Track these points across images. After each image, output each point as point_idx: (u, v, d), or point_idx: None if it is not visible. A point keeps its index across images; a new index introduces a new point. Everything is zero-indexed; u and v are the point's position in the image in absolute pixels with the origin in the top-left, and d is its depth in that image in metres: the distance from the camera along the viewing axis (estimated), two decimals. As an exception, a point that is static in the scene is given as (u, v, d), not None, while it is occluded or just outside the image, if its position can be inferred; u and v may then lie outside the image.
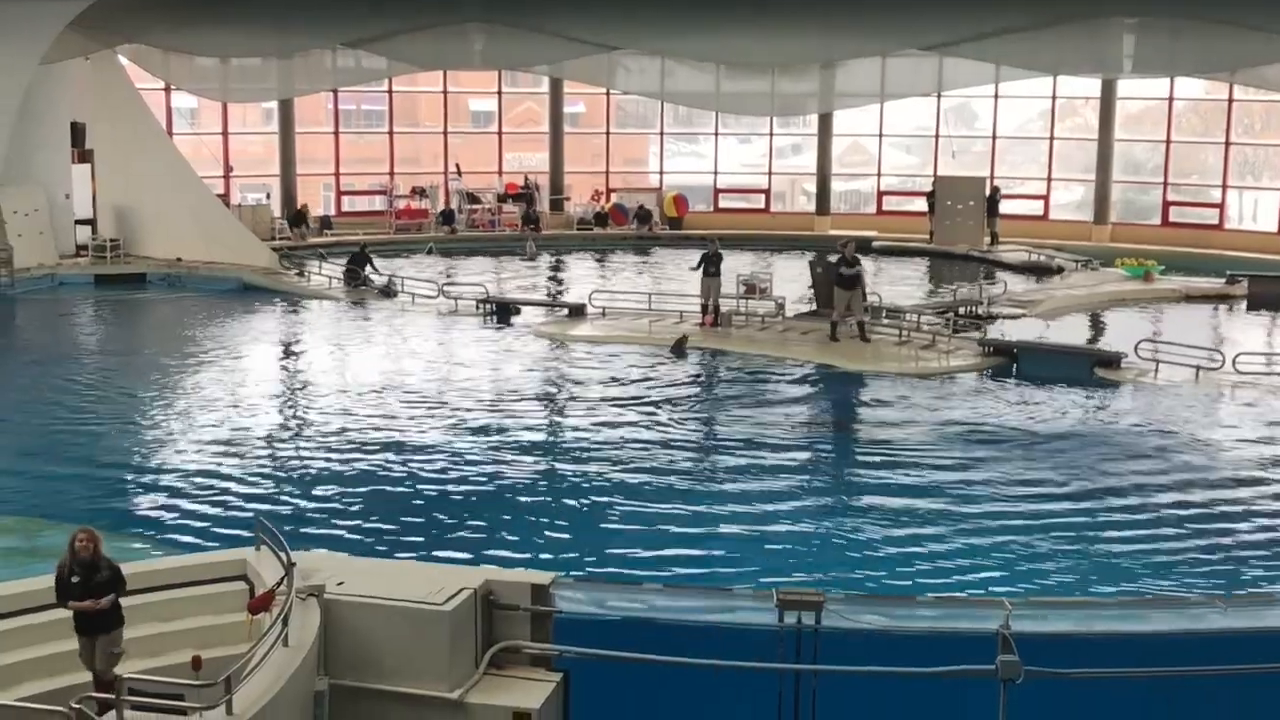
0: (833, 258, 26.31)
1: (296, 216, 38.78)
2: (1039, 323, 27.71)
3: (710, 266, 26.46)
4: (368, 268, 31.79)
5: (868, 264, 26.54)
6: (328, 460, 18.01)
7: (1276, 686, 10.40)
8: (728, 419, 20.68)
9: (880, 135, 42.78)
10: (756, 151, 44.48)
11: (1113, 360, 23.38)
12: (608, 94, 42.75)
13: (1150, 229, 39.00)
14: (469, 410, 20.77)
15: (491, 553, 14.30)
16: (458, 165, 41.81)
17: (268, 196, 40.15)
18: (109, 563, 10.02)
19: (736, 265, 29.76)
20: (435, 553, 14.11)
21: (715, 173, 43.59)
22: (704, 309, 26.69)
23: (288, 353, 26.81)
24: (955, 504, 16.25)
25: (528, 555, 14.27)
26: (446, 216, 40.66)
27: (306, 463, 17.95)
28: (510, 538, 15.06)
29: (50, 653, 10.45)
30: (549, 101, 42.95)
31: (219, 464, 17.78)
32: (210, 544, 14.10)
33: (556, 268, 37.10)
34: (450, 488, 16.83)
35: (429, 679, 10.28)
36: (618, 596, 11.84)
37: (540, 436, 19.49)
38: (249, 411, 20.83)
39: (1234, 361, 22.85)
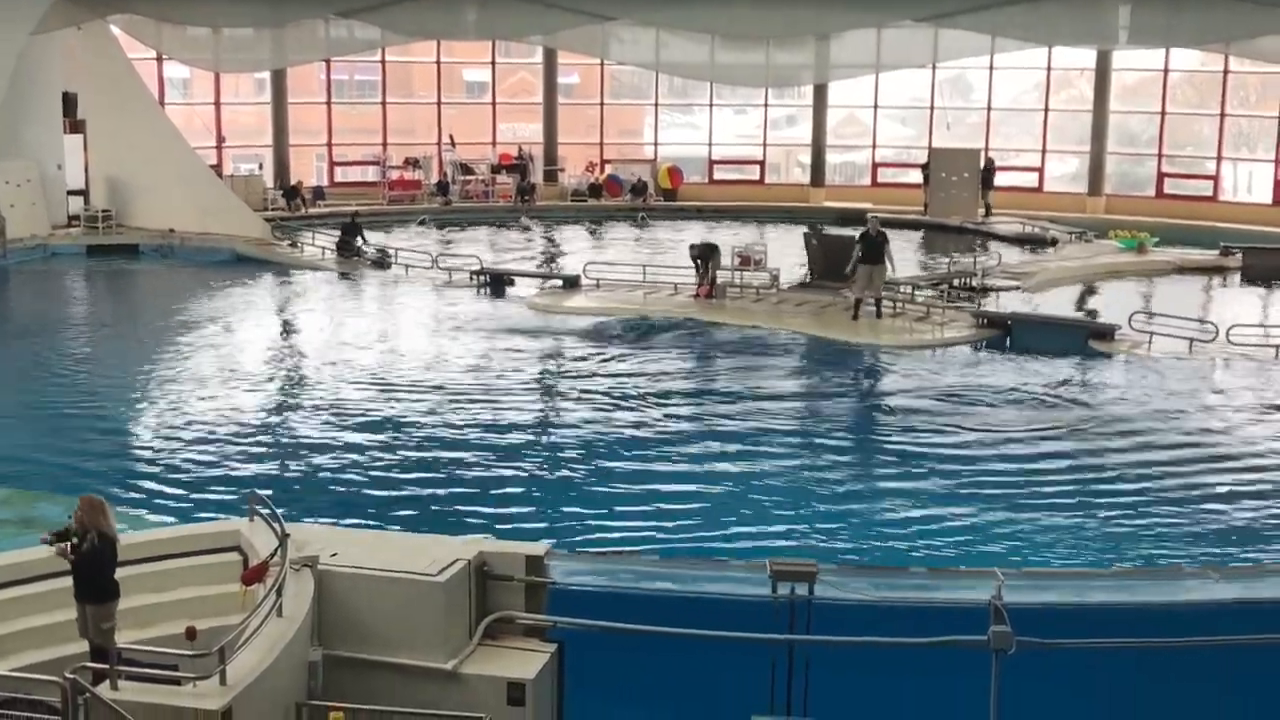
0: (830, 231, 26.21)
1: (290, 191, 38.63)
2: (1027, 295, 27.69)
3: (703, 261, 26.47)
4: (359, 239, 31.73)
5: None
6: (321, 432, 18.00)
7: (1269, 657, 10.44)
8: (722, 391, 20.67)
9: (875, 107, 42.63)
10: (751, 123, 44.34)
11: (1107, 332, 23.40)
12: (602, 65, 42.58)
13: (1145, 201, 38.97)
14: (463, 382, 20.75)
15: (486, 524, 14.31)
16: (451, 136, 41.68)
17: (260, 167, 40.03)
18: (102, 533, 9.98)
19: (730, 238, 29.71)
20: (429, 524, 14.11)
21: (710, 144, 43.43)
22: (699, 281, 26.65)
23: (280, 324, 26.78)
24: (948, 475, 16.27)
25: (522, 526, 14.28)
26: (441, 188, 40.54)
27: (299, 434, 17.94)
28: (504, 509, 15.07)
29: (45, 623, 10.47)
30: (543, 72, 42.75)
31: (212, 435, 17.77)
32: (204, 515, 14.10)
33: (550, 239, 37.02)
34: (444, 459, 16.83)
35: (423, 649, 10.30)
36: (612, 567, 11.88)
37: (535, 408, 19.49)
38: (242, 383, 20.80)
39: (1228, 333, 22.87)
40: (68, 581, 10.21)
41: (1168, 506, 15.35)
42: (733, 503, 15.33)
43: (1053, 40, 37.45)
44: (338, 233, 32.24)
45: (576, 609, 10.80)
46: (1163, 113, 39.32)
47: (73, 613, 10.12)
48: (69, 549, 9.91)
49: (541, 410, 19.40)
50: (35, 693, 8.81)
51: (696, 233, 32.31)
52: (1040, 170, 41.08)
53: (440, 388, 20.37)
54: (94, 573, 9.91)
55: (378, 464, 16.63)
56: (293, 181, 39.16)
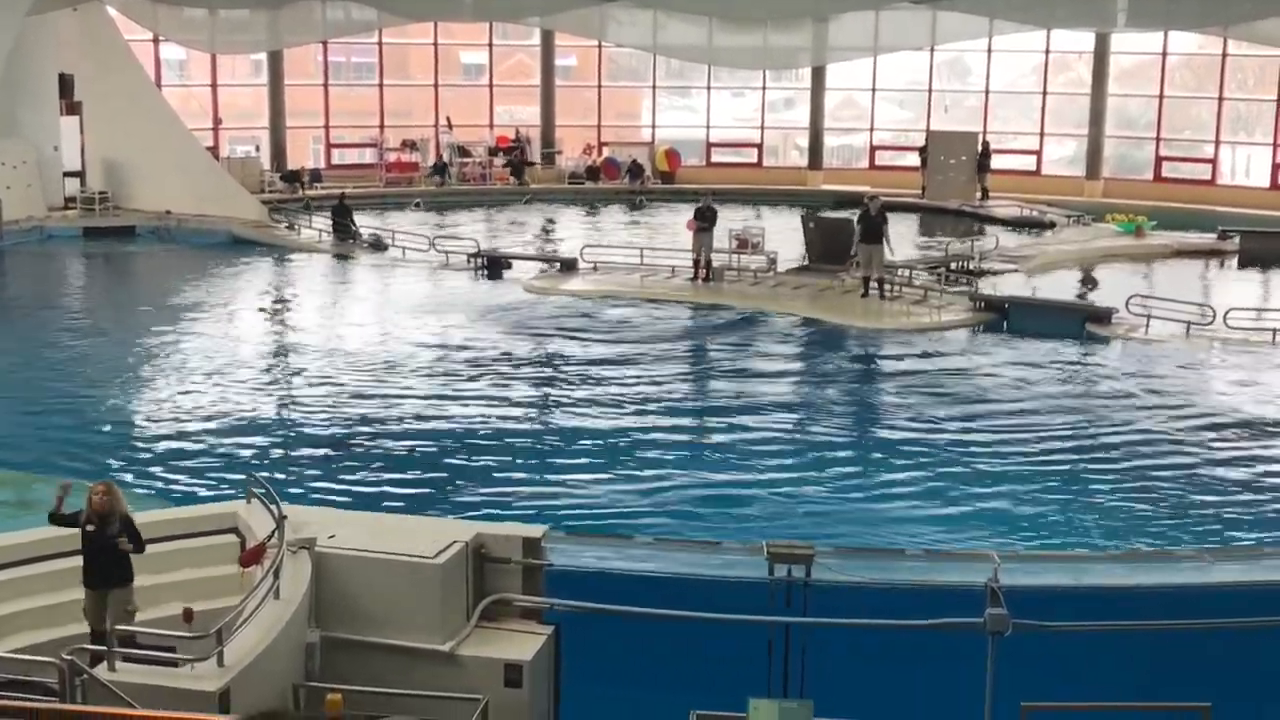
0: (828, 214, 26.19)
1: (291, 175, 38.54)
2: (1027, 279, 27.69)
3: (703, 221, 26.39)
4: (354, 221, 31.69)
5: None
6: (318, 414, 17.99)
7: (1262, 640, 10.46)
8: (719, 373, 20.70)
9: (873, 90, 42.57)
10: (749, 106, 44.29)
11: (1104, 316, 23.40)
12: (599, 47, 42.51)
13: (1143, 184, 38.95)
14: (460, 364, 20.74)
15: (483, 506, 14.31)
16: (448, 118, 41.60)
17: (257, 149, 39.96)
18: (124, 517, 10.07)
19: (728, 220, 29.67)
20: (426, 506, 14.12)
21: (707, 127, 43.38)
22: (696, 264, 26.63)
23: (277, 306, 26.75)
24: (945, 457, 16.29)
25: (519, 509, 14.28)
26: (439, 168, 40.41)
27: (297, 416, 17.94)
28: (502, 491, 15.07)
29: (42, 605, 10.48)
30: (540, 54, 42.68)
31: (209, 417, 17.75)
32: (202, 497, 14.10)
33: (547, 222, 36.96)
34: (442, 441, 16.83)
35: (421, 631, 10.31)
36: (608, 550, 11.87)
37: (532, 390, 19.48)
38: (239, 365, 20.78)
39: (1225, 317, 22.87)
40: (64, 563, 10.25)
41: (1165, 489, 15.37)
42: (730, 485, 15.34)
43: (1051, 23, 37.43)
44: (328, 214, 32.19)
45: (573, 591, 10.81)
46: (1161, 96, 39.27)
47: (69, 595, 10.15)
48: (84, 531, 9.96)
49: (538, 393, 19.38)
50: (32, 674, 8.82)
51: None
52: (1038, 153, 41.04)
53: (437, 370, 20.36)
54: (121, 556, 9.97)
55: (375, 446, 16.62)
56: (294, 167, 39.09)
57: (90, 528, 9.97)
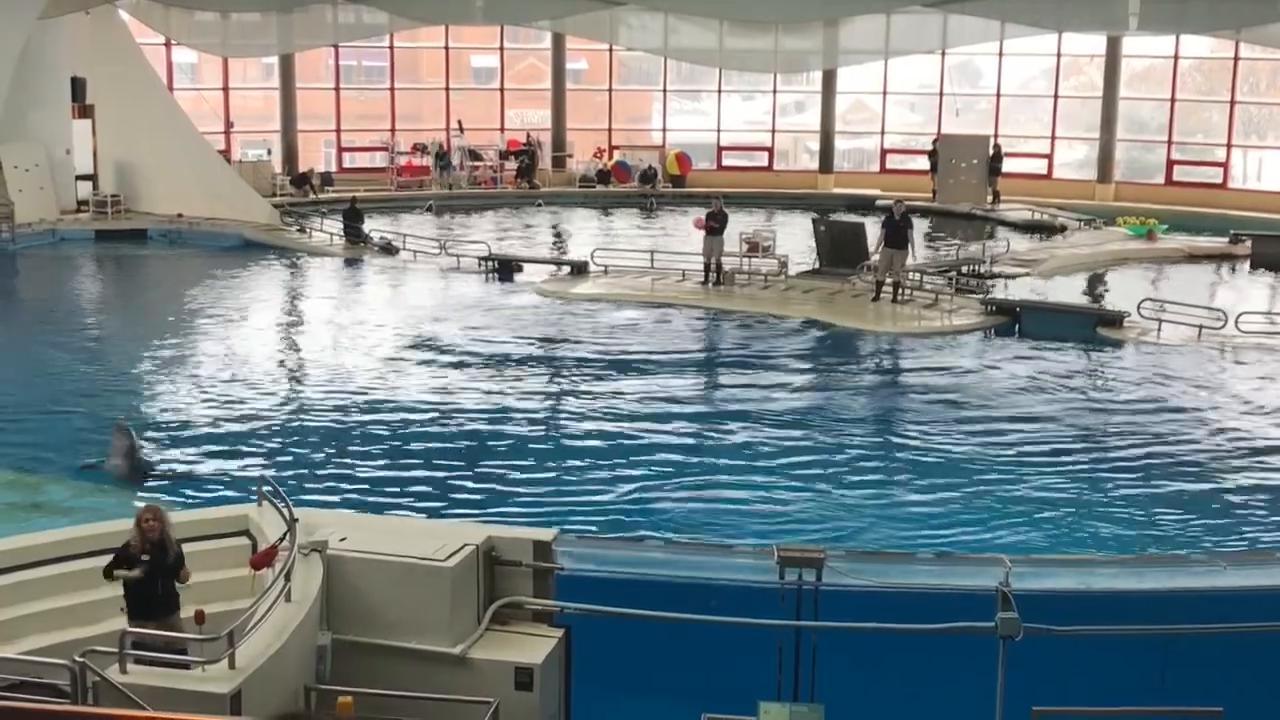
0: (839, 217, 26.17)
1: (300, 178, 38.61)
2: (1038, 282, 27.66)
3: (713, 224, 26.39)
4: (365, 224, 31.74)
5: (872, 222, 26.49)
6: (329, 417, 18.00)
7: (1276, 645, 10.43)
8: (729, 377, 20.67)
9: (884, 93, 42.58)
10: (760, 109, 44.30)
11: (1115, 319, 23.36)
12: (610, 50, 42.54)
13: (1154, 188, 38.90)
14: (471, 367, 20.75)
15: (494, 509, 14.32)
16: (460, 121, 41.64)
17: (269, 152, 40.06)
18: (175, 542, 9.91)
19: (739, 223, 29.67)
20: (437, 509, 14.13)
21: (718, 130, 43.41)
22: (706, 267, 26.63)
23: (288, 309, 26.79)
24: (956, 461, 16.26)
25: (530, 511, 14.28)
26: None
27: (308, 419, 17.94)
28: (512, 494, 15.07)
29: (54, 607, 10.50)
30: (551, 58, 42.75)
31: (221, 420, 17.77)
32: (213, 499, 14.12)
33: (558, 225, 36.99)
34: (452, 444, 16.84)
35: (431, 634, 10.31)
36: (619, 553, 11.88)
37: (542, 393, 19.47)
38: (250, 367, 20.80)
39: (1236, 321, 22.83)
40: (75, 565, 10.29)
41: (1177, 493, 15.33)
42: (739, 488, 15.32)
43: (1062, 26, 37.40)
44: (339, 218, 32.25)
45: (584, 594, 10.81)
46: (1172, 99, 39.23)
47: (80, 597, 10.16)
48: (141, 564, 9.65)
49: (549, 396, 19.38)
50: (44, 676, 8.84)
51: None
52: (1049, 157, 40.99)
53: (447, 373, 20.37)
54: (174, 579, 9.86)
55: (386, 449, 16.63)
56: (303, 170, 39.18)
57: (145, 558, 9.67)
